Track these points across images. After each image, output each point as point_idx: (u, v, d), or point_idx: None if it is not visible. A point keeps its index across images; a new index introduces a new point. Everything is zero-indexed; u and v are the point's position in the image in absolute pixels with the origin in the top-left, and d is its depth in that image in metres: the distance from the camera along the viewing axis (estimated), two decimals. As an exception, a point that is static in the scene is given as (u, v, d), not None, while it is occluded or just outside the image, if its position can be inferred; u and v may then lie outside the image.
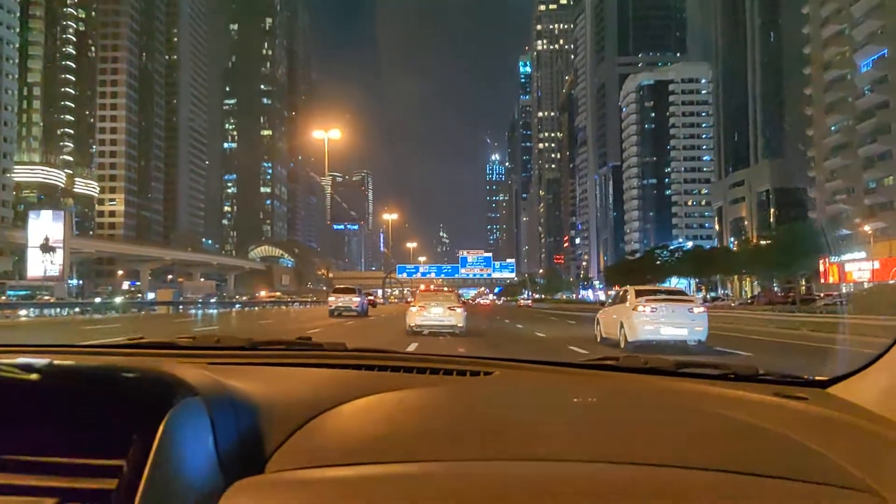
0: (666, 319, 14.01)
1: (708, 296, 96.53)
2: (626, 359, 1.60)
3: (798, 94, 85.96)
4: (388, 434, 0.96)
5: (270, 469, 0.89)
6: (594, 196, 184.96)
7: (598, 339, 16.37)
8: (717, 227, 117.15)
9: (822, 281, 73.29)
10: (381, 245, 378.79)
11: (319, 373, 1.40)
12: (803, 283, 75.69)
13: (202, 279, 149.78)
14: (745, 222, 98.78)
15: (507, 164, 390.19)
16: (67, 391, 0.89)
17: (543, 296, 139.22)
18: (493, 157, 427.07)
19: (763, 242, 70.50)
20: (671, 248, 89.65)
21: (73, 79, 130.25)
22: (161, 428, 0.80)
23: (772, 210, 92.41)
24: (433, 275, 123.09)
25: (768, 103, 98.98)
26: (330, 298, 36.40)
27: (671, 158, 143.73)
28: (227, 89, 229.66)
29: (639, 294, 14.82)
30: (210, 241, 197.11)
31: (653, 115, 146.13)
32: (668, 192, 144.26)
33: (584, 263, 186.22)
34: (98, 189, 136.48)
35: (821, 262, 70.38)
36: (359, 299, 34.80)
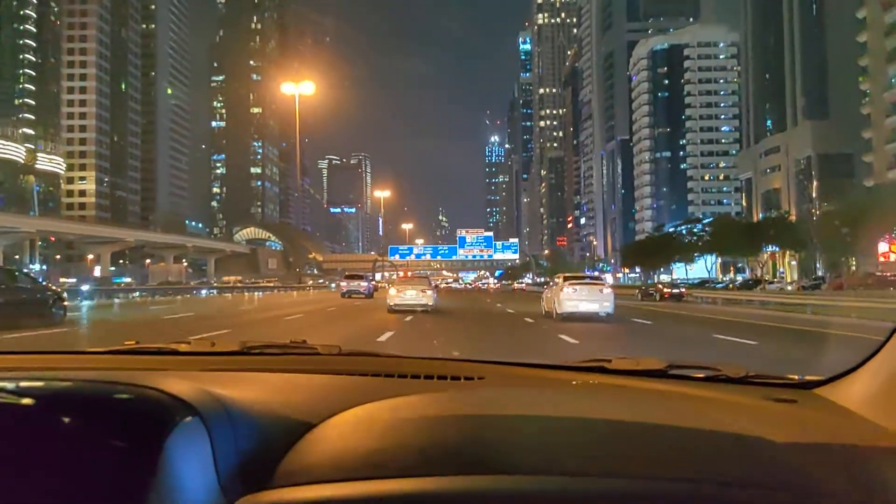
0: (584, 297, 18.14)
1: (738, 278, 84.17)
2: (618, 360, 1.56)
3: (848, 44, 73.00)
4: (384, 447, 0.95)
5: (270, 486, 0.86)
6: (600, 173, 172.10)
7: (543, 313, 20.40)
8: (743, 201, 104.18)
9: (883, 259, 60.92)
10: (380, 229, 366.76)
11: (314, 379, 1.38)
12: (853, 261, 63.51)
13: (183, 262, 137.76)
14: (781, 194, 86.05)
15: (506, 145, 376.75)
16: (58, 413, 0.85)
17: (547, 279, 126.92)
18: (492, 139, 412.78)
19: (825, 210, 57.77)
20: (705, 221, 76.60)
21: (34, 44, 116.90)
22: (161, 452, 0.78)
23: (814, 181, 79.65)
24: (428, 256, 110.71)
25: (810, 57, 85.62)
26: (342, 283, 42.26)
27: (686, 129, 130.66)
28: (215, 65, 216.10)
29: (566, 279, 19.36)
30: (200, 225, 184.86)
31: (666, 82, 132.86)
32: (683, 166, 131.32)
33: (594, 244, 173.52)
34: (65, 166, 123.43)
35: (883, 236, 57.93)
36: (366, 284, 39.15)
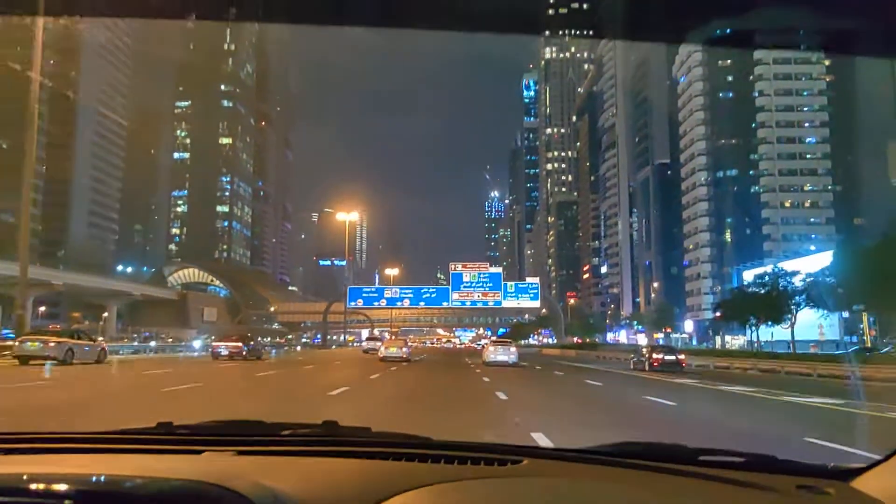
0: (499, 352, 29.87)
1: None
2: (648, 445, 1.48)
3: None
4: None
5: None
6: (627, 210, 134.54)
7: (482, 361, 30.35)
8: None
9: None
10: (376, 284, 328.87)
11: (348, 465, 1.32)
12: None
13: (105, 314, 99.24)
14: None
15: (507, 199, 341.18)
16: None
17: (577, 339, 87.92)
18: (492, 194, 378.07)
19: None
20: None
21: None
22: None
23: None
24: (407, 302, 71.60)
25: None
26: (363, 343, 58.08)
27: (759, 141, 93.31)
28: (180, 89, 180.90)
29: (492, 342, 35.85)
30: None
31: (730, 79, 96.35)
32: (755, 190, 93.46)
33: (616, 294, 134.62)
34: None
35: None
36: (378, 343, 42.00)
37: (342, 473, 1.24)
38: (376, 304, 71.24)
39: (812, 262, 50.13)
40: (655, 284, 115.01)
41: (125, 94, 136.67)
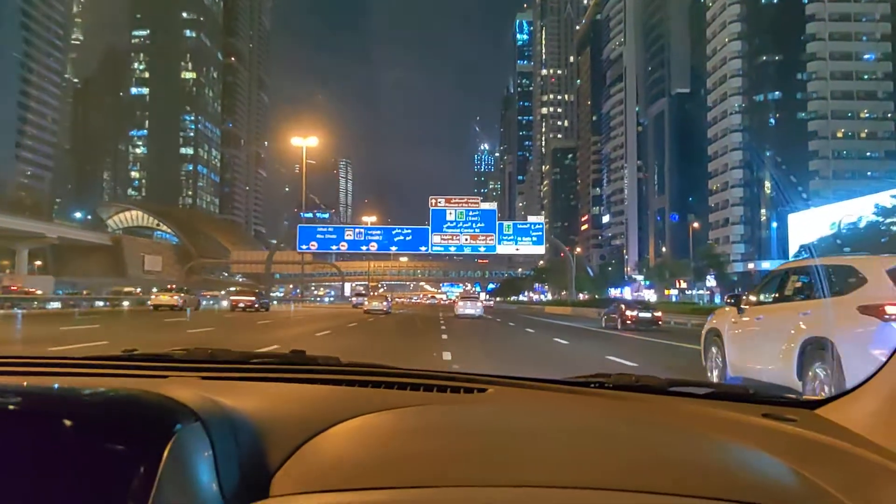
0: (468, 306, 34.32)
1: None
2: (618, 377, 1.49)
3: None
4: (385, 456, 0.90)
5: (272, 494, 0.81)
6: (634, 151, 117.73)
7: (454, 315, 34.12)
8: None
9: None
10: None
11: (314, 389, 1.32)
12: None
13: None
14: None
15: (497, 151, 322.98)
16: (60, 418, 0.79)
17: (585, 295, 72.07)
18: (481, 147, 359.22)
19: None
20: None
21: None
22: (164, 457, 0.72)
23: None
24: (375, 246, 54.97)
25: None
26: (353, 299, 56.66)
27: (809, 56, 76.24)
28: (137, 16, 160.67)
29: (461, 297, 39.52)
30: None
31: (775, -18, 78.91)
32: (801, 116, 76.70)
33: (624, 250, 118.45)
34: None
35: None
36: (364, 299, 46.14)
37: (307, 396, 1.23)
38: (334, 247, 54.71)
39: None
40: (668, 234, 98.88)
41: (65, 14, 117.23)
